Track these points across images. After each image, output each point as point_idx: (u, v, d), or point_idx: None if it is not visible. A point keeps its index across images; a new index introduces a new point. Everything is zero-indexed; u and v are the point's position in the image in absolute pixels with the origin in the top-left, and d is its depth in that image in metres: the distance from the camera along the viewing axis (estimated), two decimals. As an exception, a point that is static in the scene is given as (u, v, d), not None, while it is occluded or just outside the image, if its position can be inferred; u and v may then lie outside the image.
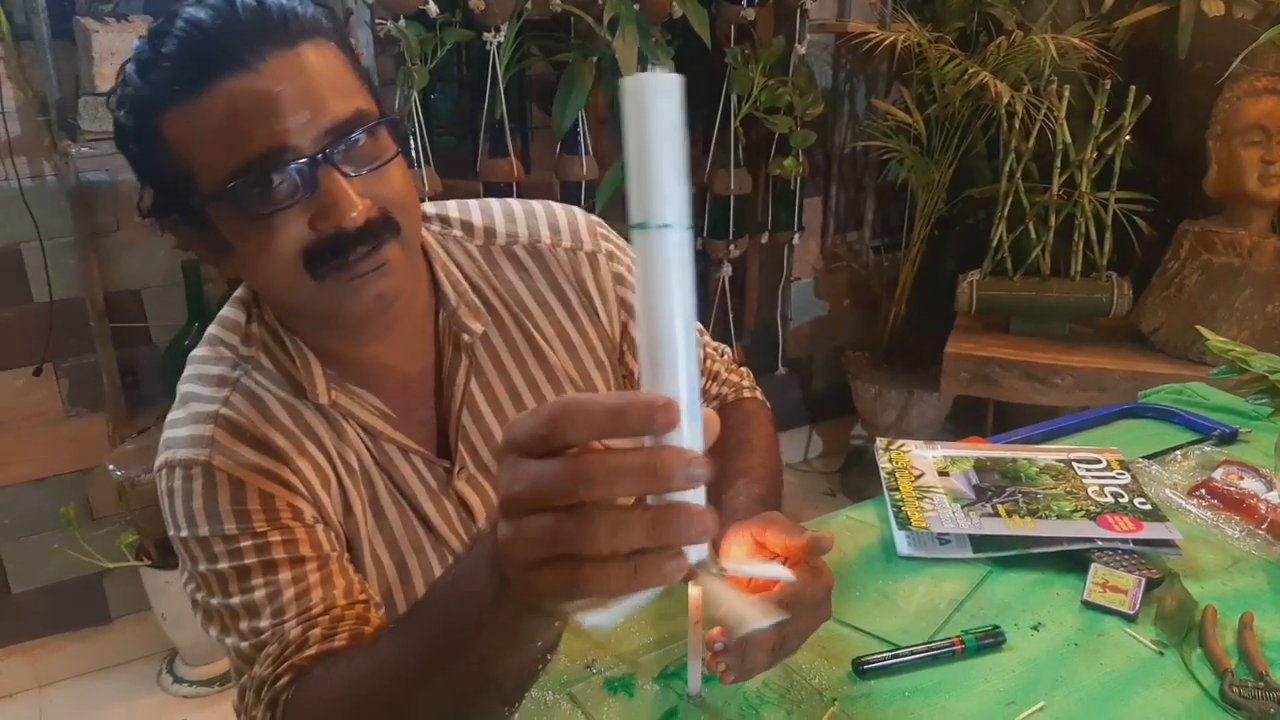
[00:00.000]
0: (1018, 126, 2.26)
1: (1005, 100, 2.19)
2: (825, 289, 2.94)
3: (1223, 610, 0.94)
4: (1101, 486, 1.11)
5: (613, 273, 0.98)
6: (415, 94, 2.02)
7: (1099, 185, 2.29)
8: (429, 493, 0.91)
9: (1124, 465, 1.16)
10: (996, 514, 1.06)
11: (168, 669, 2.06)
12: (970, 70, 2.25)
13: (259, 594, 0.79)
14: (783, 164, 2.47)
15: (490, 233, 0.96)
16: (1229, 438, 1.29)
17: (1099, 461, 1.17)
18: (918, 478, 1.15)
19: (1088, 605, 0.95)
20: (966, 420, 2.66)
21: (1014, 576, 1.01)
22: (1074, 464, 1.17)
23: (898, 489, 1.12)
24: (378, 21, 1.98)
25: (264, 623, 0.79)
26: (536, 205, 1.00)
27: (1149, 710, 0.83)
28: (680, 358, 0.46)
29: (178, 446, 0.84)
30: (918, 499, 1.10)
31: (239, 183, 0.74)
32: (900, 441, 1.23)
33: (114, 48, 1.64)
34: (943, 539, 1.05)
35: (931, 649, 0.88)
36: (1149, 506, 1.07)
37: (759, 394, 1.16)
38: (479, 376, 0.92)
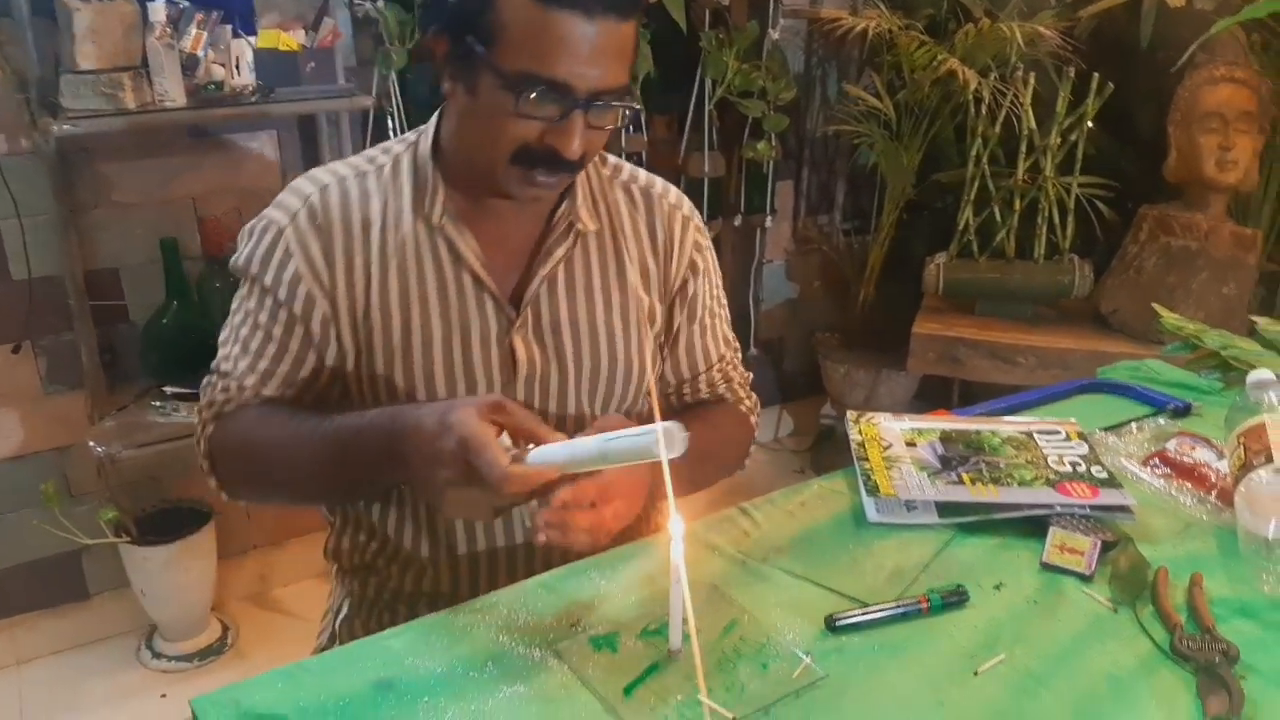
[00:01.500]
0: (985, 112, 2.32)
1: (973, 87, 2.24)
2: (797, 271, 2.99)
3: (1174, 571, 0.99)
4: (1060, 456, 1.16)
5: (694, 240, 1.15)
6: (393, 74, 2.04)
7: (1062, 170, 2.34)
8: (483, 333, 1.04)
9: (1082, 436, 1.21)
10: (961, 481, 1.11)
11: (147, 645, 2.07)
12: (939, 57, 2.29)
13: (253, 342, 1.03)
14: (756, 148, 2.51)
15: (618, 169, 1.14)
16: (1182, 411, 1.35)
17: (1058, 433, 1.22)
18: (886, 448, 1.19)
19: (1046, 567, 1.00)
20: (933, 399, 2.72)
21: (977, 540, 1.06)
22: (1035, 435, 1.22)
23: (867, 459, 1.17)
24: (356, 3, 1.99)
25: (238, 365, 1.02)
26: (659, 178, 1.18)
27: (1104, 663, 0.88)
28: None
29: (274, 205, 1.04)
30: (886, 468, 1.14)
31: (526, 81, 0.90)
32: (870, 414, 1.27)
33: (95, 26, 1.64)
34: (910, 505, 1.09)
35: (900, 606, 0.92)
36: (1105, 475, 1.12)
37: (753, 418, 1.24)
38: (569, 264, 1.07)
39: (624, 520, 0.90)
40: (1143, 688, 0.85)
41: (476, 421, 0.83)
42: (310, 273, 1.01)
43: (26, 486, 1.93)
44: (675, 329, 1.15)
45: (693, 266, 1.15)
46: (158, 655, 2.05)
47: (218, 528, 2.07)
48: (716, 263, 1.21)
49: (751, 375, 1.27)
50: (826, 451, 2.90)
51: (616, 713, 0.80)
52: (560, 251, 1.06)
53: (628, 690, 0.82)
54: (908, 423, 1.26)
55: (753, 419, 1.24)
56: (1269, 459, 1.01)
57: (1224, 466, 1.17)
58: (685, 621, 0.87)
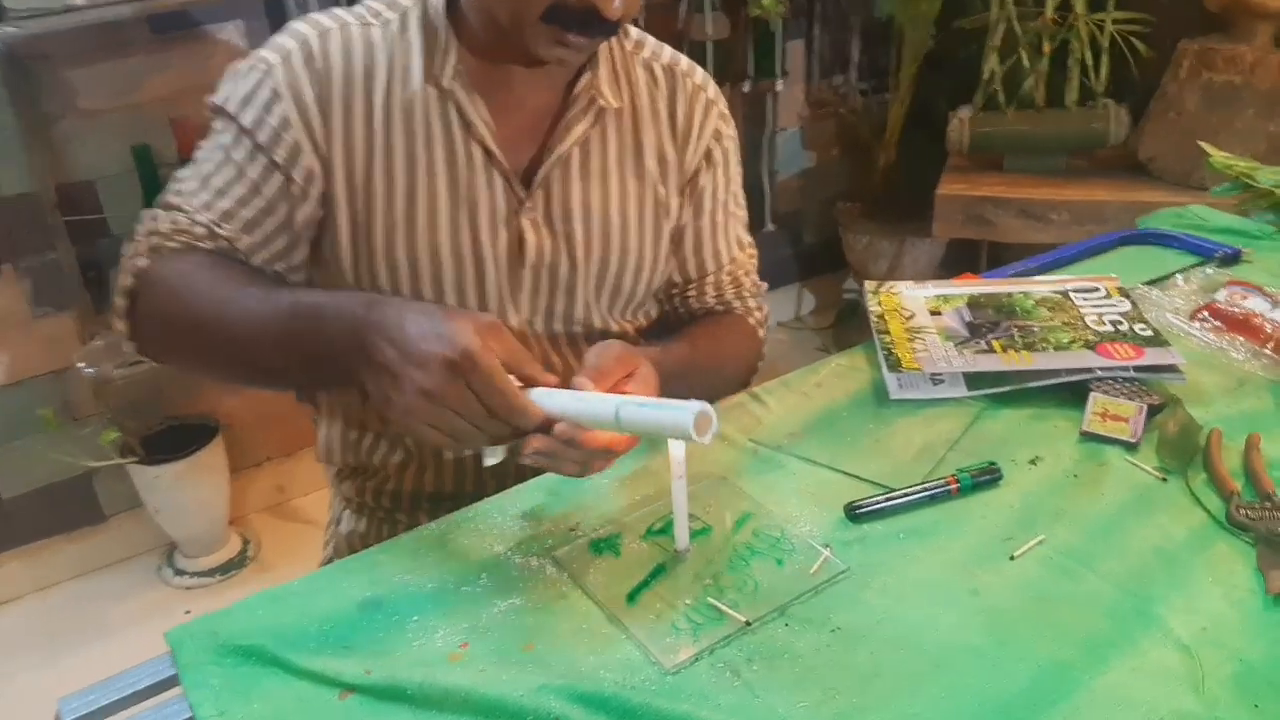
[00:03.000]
0: (1008, -52, 2.12)
1: (994, -81, 2.04)
2: (812, 138, 2.83)
3: (1228, 433, 0.91)
4: (1100, 315, 1.07)
5: (715, 127, 1.04)
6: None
7: (1094, 6, 2.16)
8: (491, 213, 0.94)
9: (1123, 292, 1.11)
10: (991, 350, 1.02)
11: (168, 563, 2.06)
12: (956, -112, 2.09)
13: (217, 179, 0.91)
14: (762, 4, 2.33)
15: (640, 44, 1.03)
16: (1232, 259, 1.24)
17: (1097, 290, 1.12)
18: (908, 319, 1.10)
19: (1087, 436, 0.92)
20: (960, 267, 2.59)
21: (1009, 413, 0.97)
22: (1071, 294, 1.12)
23: (887, 331, 1.07)
24: None
25: (195, 199, 0.91)
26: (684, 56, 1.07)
27: (1153, 537, 0.80)
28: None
29: (266, 45, 0.93)
30: (908, 340, 1.05)
31: None
32: (890, 284, 1.17)
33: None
34: (935, 379, 1.01)
35: (926, 489, 0.85)
36: (1150, 332, 1.02)
37: (762, 331, 1.15)
38: (585, 145, 0.97)
39: (625, 450, 0.80)
40: (1197, 562, 0.77)
41: (480, 338, 0.73)
42: (301, 120, 0.90)
43: (26, 413, 1.88)
44: (682, 224, 1.05)
45: (708, 156, 1.04)
46: (180, 572, 2.04)
47: (228, 441, 2.03)
48: (738, 156, 1.10)
49: (765, 286, 1.16)
50: (850, 328, 2.80)
51: (620, 621, 0.73)
52: (580, 129, 0.96)
53: (631, 596, 0.76)
54: (931, 289, 1.16)
55: (761, 332, 1.15)
56: (1336, 304, 0.90)
57: (1278, 315, 1.07)
58: (692, 518, 0.80)
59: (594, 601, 0.76)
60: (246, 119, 0.90)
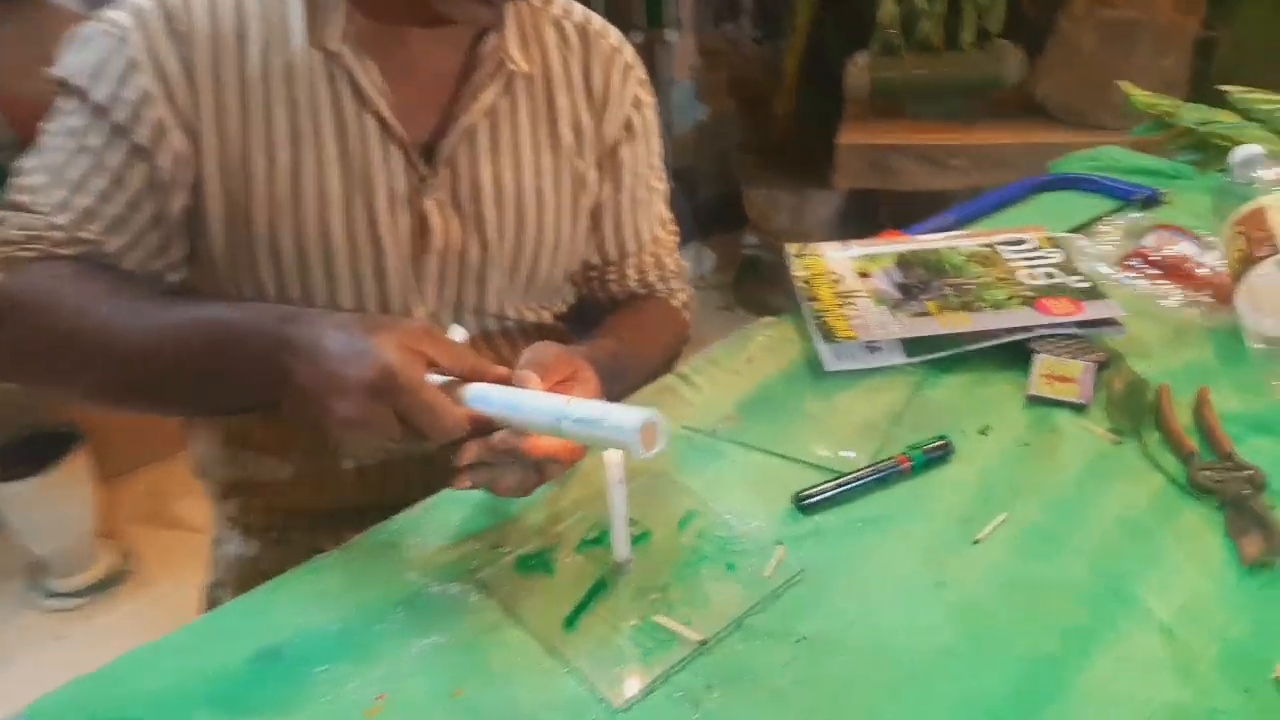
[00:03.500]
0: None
1: None
2: (706, 90, 2.75)
3: (1173, 387, 0.87)
4: (1032, 269, 1.02)
5: (634, 94, 0.95)
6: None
7: (985, -56, 2.13)
8: (389, 192, 0.84)
9: (1053, 242, 1.07)
10: (927, 312, 0.96)
11: (36, 585, 1.88)
12: None
13: (71, 171, 0.78)
14: (647, -49, 2.23)
15: (548, 0, 0.92)
16: (1151, 201, 1.22)
17: (1025, 242, 1.08)
18: (836, 283, 1.03)
19: (1034, 400, 0.87)
20: (862, 218, 2.57)
21: (951, 379, 0.92)
22: (998, 247, 1.07)
23: (816, 298, 1.01)
24: None
25: (48, 197, 0.78)
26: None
27: (1114, 506, 0.76)
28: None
29: (115, 4, 0.80)
30: (839, 306, 0.99)
31: None
32: (812, 246, 1.11)
33: None
34: (872, 347, 0.94)
35: (877, 471, 0.78)
36: (1086, 284, 0.98)
37: (687, 314, 1.07)
38: (493, 115, 0.87)
39: (572, 461, 0.72)
40: (1164, 533, 0.73)
41: (401, 353, 0.64)
42: (164, 93, 0.77)
43: None
44: (601, 201, 0.96)
45: (628, 126, 0.95)
46: (51, 594, 1.86)
47: (95, 448, 1.85)
48: (658, 126, 1.01)
49: (687, 266, 1.09)
50: (752, 283, 2.76)
51: (559, 652, 0.65)
52: (488, 96, 0.86)
53: (569, 621, 0.67)
54: (856, 250, 1.09)
55: (686, 315, 1.06)
56: (1276, 248, 0.87)
57: (1211, 260, 1.04)
58: (630, 523, 0.72)
59: (528, 631, 0.67)
60: (99, 94, 0.77)
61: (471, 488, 0.69)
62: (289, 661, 0.66)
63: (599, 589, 0.70)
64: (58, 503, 1.76)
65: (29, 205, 0.78)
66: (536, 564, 0.72)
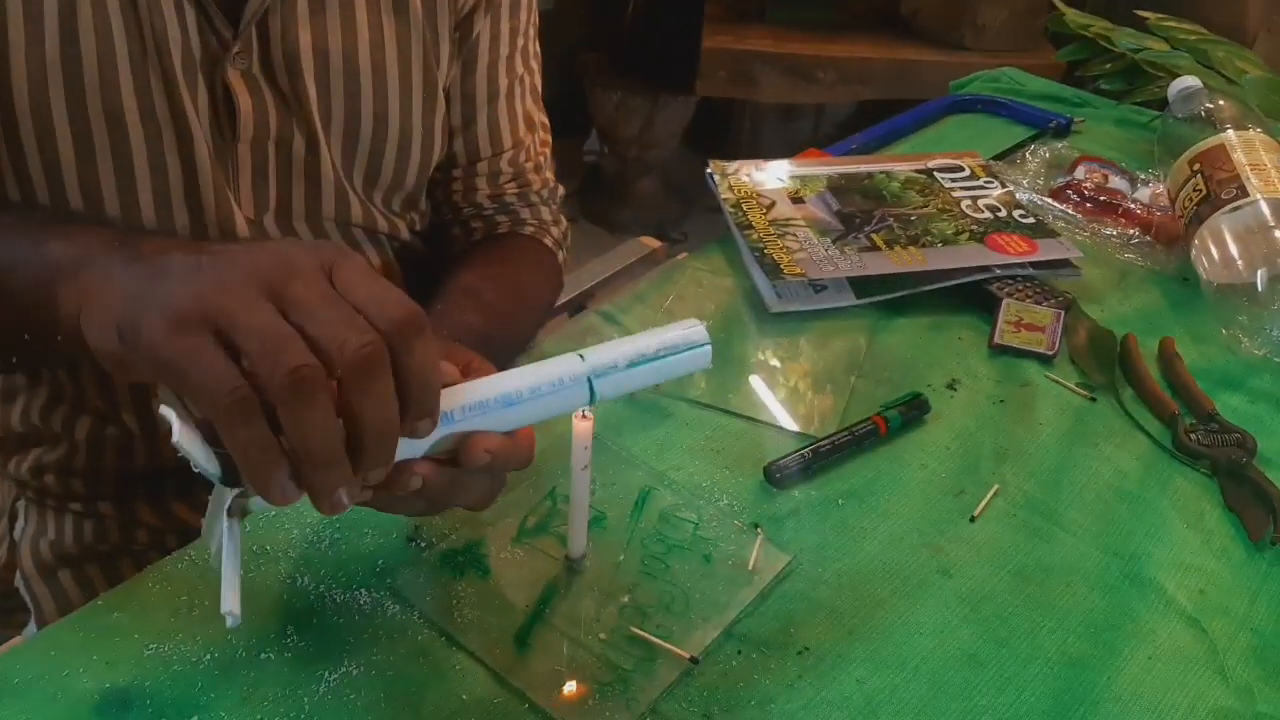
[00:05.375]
0: None
1: None
2: (549, -21, 2.52)
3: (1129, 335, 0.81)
4: (975, 199, 0.94)
5: None
6: None
7: None
8: (184, 60, 0.63)
9: (989, 171, 0.99)
10: (874, 246, 0.86)
11: None
12: None
13: None
14: None
15: None
16: (1064, 129, 1.16)
17: (961, 169, 0.99)
18: (769, 208, 0.91)
19: (999, 350, 0.79)
20: (715, 130, 2.46)
21: (905, 323, 0.83)
22: (935, 174, 0.98)
23: (750, 225, 0.88)
24: None
25: None
26: None
27: (1105, 473, 0.69)
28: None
29: None
30: (778, 236, 0.87)
31: None
32: (737, 164, 0.98)
33: None
34: (817, 285, 0.83)
35: (852, 434, 0.68)
36: (1031, 220, 0.91)
37: (561, 254, 0.87)
38: None
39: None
40: (1163, 504, 0.67)
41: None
42: None
43: None
44: (447, 85, 0.76)
45: None
46: None
47: None
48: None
49: (561, 189, 0.90)
50: (596, 194, 2.61)
51: (511, 680, 0.51)
52: None
53: (520, 638, 0.54)
54: (784, 170, 0.97)
55: (561, 255, 0.87)
56: (1242, 190, 0.82)
57: (1143, 196, 0.99)
58: (608, 519, 0.58)
59: (467, 653, 0.53)
60: None
61: (425, 513, 0.52)
62: (144, 712, 0.49)
63: (552, 593, 0.56)
64: None
65: None
66: (466, 563, 0.58)
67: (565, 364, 0.48)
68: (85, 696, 0.49)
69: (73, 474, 0.74)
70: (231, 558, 0.44)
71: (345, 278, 0.42)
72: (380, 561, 0.57)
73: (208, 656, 0.51)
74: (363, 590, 0.56)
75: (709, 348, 0.50)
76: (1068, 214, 0.97)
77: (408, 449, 0.45)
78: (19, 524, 0.78)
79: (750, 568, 0.59)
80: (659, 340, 0.49)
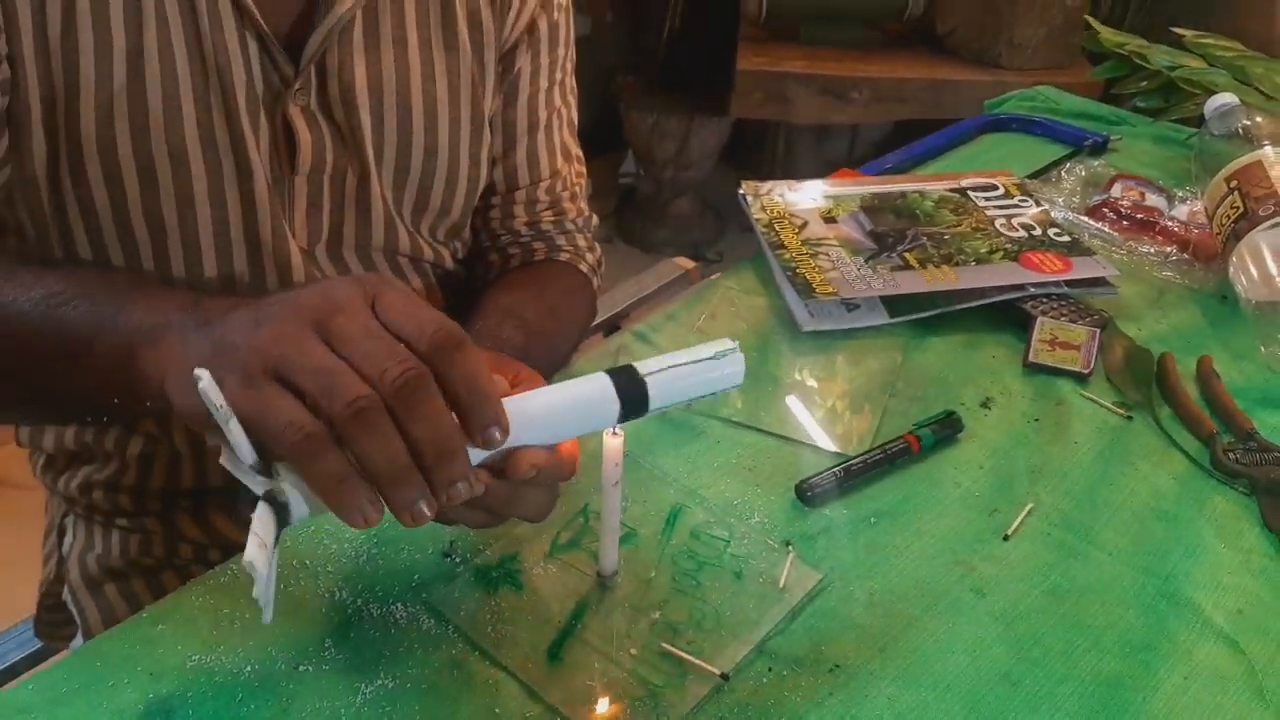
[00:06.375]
0: None
1: None
2: (587, 1, 2.55)
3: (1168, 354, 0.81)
4: (1009, 218, 0.93)
5: None
6: None
7: None
8: (249, 100, 0.66)
9: (1024, 190, 0.99)
10: (908, 265, 0.86)
11: None
12: None
13: None
14: None
15: None
16: (1101, 147, 1.16)
17: (995, 188, 0.99)
18: (801, 227, 0.92)
19: (1033, 368, 0.79)
20: (751, 151, 2.47)
21: (938, 342, 0.82)
22: (969, 192, 0.98)
23: (784, 245, 0.89)
24: None
25: None
26: None
27: (1141, 492, 0.68)
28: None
29: None
30: (810, 256, 0.87)
31: None
32: (769, 185, 0.98)
33: None
34: (850, 305, 0.84)
35: (885, 453, 0.68)
36: (1067, 238, 0.91)
37: (596, 281, 0.89)
38: (371, 2, 0.69)
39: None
40: (1200, 523, 0.66)
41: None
42: None
43: None
44: (490, 115, 0.78)
45: (531, 29, 0.78)
46: None
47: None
48: (570, 35, 0.83)
49: (595, 219, 0.90)
50: (631, 215, 2.62)
51: (543, 697, 0.52)
52: None
53: (553, 652, 0.54)
54: (817, 190, 0.98)
55: (595, 282, 0.88)
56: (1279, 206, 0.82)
57: (1180, 214, 0.98)
58: (633, 534, 0.59)
59: (502, 668, 0.53)
60: None
61: (485, 525, 0.52)
62: (182, 718, 0.50)
63: (584, 609, 0.57)
64: None
65: None
66: (500, 578, 0.59)
67: (600, 379, 0.49)
68: (130, 706, 0.50)
69: (120, 490, 0.76)
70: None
71: (385, 305, 0.45)
72: (416, 576, 0.58)
73: (248, 668, 0.53)
74: (399, 604, 0.57)
75: (741, 362, 0.51)
76: (1104, 232, 0.96)
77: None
78: (67, 539, 0.80)
79: (781, 585, 0.59)
80: (691, 356, 0.50)
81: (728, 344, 0.51)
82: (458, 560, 0.60)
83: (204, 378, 0.40)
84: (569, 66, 0.84)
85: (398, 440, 0.42)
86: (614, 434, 0.53)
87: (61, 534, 0.81)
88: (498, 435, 0.45)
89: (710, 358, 0.50)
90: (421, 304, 0.45)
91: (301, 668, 0.53)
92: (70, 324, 0.53)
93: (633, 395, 0.49)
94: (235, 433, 0.41)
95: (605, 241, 2.58)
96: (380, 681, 0.52)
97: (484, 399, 0.44)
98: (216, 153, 0.65)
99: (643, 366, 0.50)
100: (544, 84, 0.80)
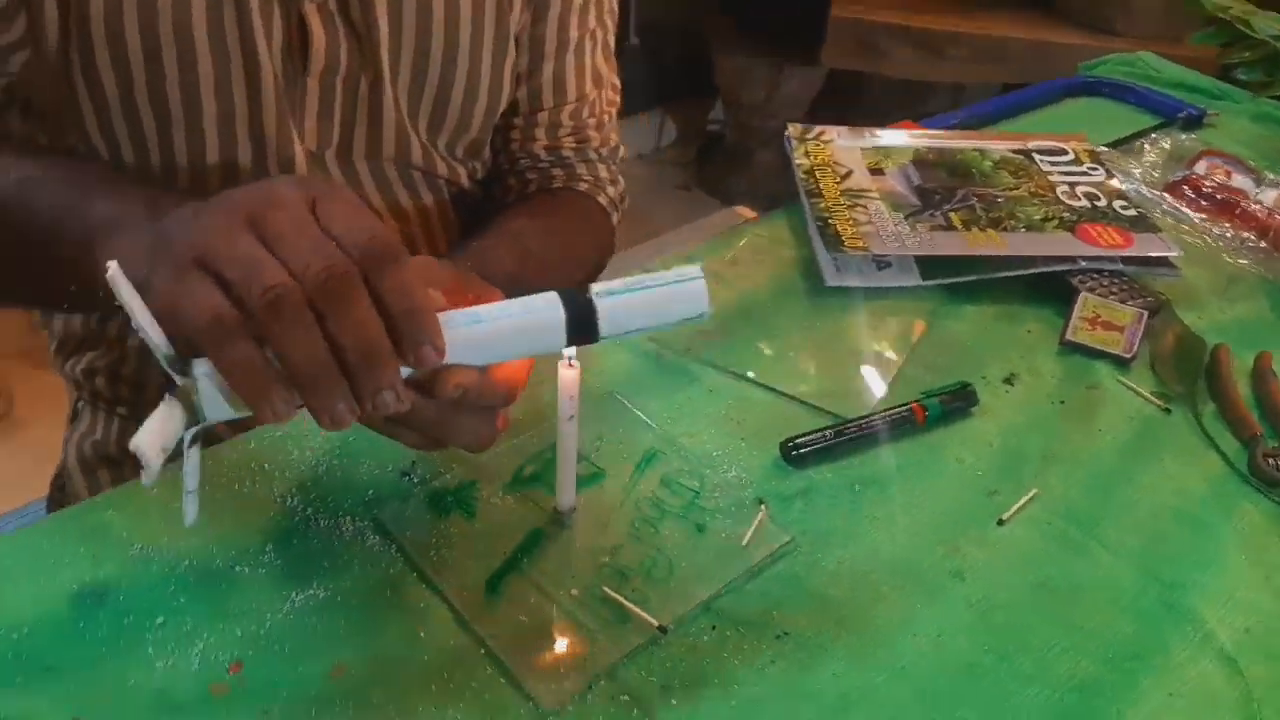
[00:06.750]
0: None
1: None
2: (685, -63, 2.48)
3: (1229, 347, 0.74)
4: (1072, 186, 0.87)
5: None
6: None
7: None
8: None
9: (1094, 156, 0.91)
10: (950, 225, 0.81)
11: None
12: None
13: None
14: None
15: None
16: (1195, 120, 1.06)
17: (1064, 153, 0.92)
18: (844, 177, 0.86)
19: (1070, 346, 0.73)
20: (841, 102, 2.37)
21: (972, 310, 0.77)
22: (1034, 155, 0.91)
23: (820, 194, 0.84)
24: None
25: None
26: None
27: (1163, 490, 0.63)
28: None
29: None
30: (847, 208, 0.82)
31: None
32: (818, 129, 0.93)
33: None
34: (880, 262, 0.79)
35: (886, 419, 0.64)
36: (1133, 211, 0.83)
37: (616, 216, 0.85)
38: None
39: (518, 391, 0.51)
40: (1224, 531, 0.61)
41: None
42: None
43: None
44: (516, 30, 0.75)
45: None
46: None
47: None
48: None
49: (623, 150, 0.86)
50: (714, 163, 2.56)
51: (475, 626, 0.50)
52: None
53: (492, 584, 0.52)
54: (869, 139, 0.92)
55: (615, 217, 0.85)
56: (1375, 195, 0.73)
57: (1267, 198, 0.90)
58: (582, 459, 0.56)
59: (438, 593, 0.52)
60: None
61: (422, 447, 0.50)
62: (118, 607, 0.50)
63: (532, 543, 0.55)
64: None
65: None
66: (454, 501, 0.57)
67: (547, 297, 0.46)
68: (65, 586, 0.50)
69: (120, 380, 0.76)
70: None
71: (326, 209, 0.42)
72: (370, 492, 0.57)
73: (186, 563, 0.52)
74: (347, 518, 0.55)
75: (703, 289, 0.47)
76: (1178, 210, 0.89)
77: None
78: (76, 424, 0.82)
79: (744, 544, 0.56)
80: (650, 281, 0.47)
81: (691, 271, 0.47)
82: (415, 480, 0.58)
83: (111, 268, 0.38)
84: None
85: (317, 335, 0.40)
86: (569, 365, 0.50)
87: (74, 418, 0.83)
88: (432, 355, 0.42)
89: (670, 283, 0.47)
90: (364, 213, 0.43)
91: (238, 568, 0.52)
92: (38, 209, 0.53)
93: (581, 317, 0.46)
94: (145, 324, 0.40)
95: (683, 189, 2.54)
96: (312, 591, 0.51)
97: (416, 313, 0.42)
98: (224, 45, 0.64)
99: (595, 287, 0.46)
100: (577, 1, 0.77)
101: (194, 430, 0.43)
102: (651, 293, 0.46)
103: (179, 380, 0.42)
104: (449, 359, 0.44)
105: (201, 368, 0.42)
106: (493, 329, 0.45)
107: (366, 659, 0.48)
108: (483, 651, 0.49)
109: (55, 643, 0.48)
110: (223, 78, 0.65)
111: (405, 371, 0.43)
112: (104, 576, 0.51)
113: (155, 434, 0.40)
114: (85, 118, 0.65)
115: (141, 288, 0.41)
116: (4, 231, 0.53)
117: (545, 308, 0.45)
